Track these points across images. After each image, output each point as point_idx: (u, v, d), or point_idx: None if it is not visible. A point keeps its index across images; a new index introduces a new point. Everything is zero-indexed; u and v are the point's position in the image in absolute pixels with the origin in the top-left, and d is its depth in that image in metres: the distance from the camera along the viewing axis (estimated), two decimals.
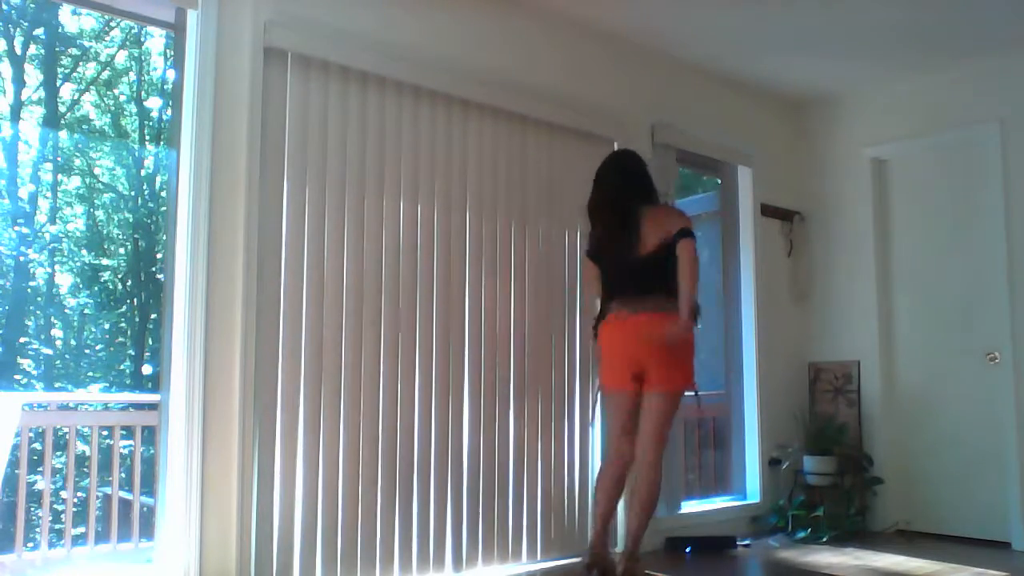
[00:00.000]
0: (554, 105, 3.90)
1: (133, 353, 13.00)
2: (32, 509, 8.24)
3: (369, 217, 3.27)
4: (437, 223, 3.49)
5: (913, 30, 4.17)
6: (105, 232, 13.48)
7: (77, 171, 13.31)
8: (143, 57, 13.62)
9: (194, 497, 2.78)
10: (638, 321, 3.29)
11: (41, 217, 12.68)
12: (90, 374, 12.70)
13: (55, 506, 8.03)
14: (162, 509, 2.83)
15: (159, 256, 12.34)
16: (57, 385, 12.19)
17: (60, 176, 13.04)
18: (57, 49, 12.81)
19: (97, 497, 4.72)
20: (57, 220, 12.92)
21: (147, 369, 12.36)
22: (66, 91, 13.10)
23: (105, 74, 13.36)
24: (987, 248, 4.46)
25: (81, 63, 13.20)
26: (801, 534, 4.46)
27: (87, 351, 12.97)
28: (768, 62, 4.62)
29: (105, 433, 4.87)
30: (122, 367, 12.98)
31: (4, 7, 11.65)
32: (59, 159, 13.06)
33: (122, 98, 13.64)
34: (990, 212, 4.46)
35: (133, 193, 13.39)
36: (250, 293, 2.93)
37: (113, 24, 12.56)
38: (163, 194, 12.38)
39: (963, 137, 4.61)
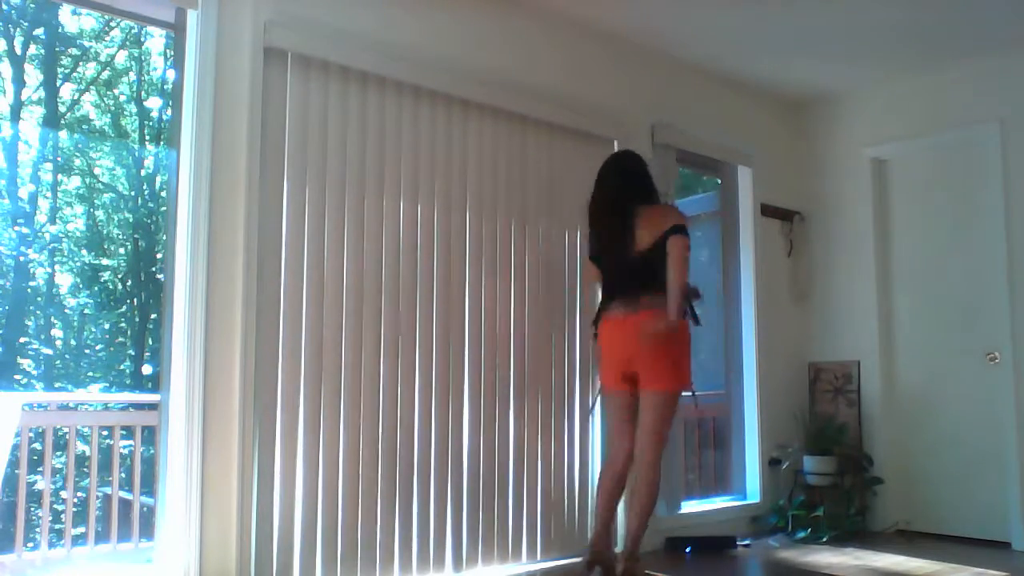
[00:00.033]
0: (554, 105, 3.90)
1: (133, 353, 13.01)
2: (32, 509, 8.25)
3: (369, 217, 3.27)
4: (437, 223, 3.49)
5: (913, 30, 4.17)
6: (105, 232, 13.48)
7: (77, 171, 13.31)
8: (143, 57, 13.62)
9: (194, 497, 2.78)
10: (634, 320, 3.30)
11: (41, 217, 12.68)
12: (90, 374, 12.70)
13: (55, 506, 8.03)
14: (162, 509, 2.83)
15: (159, 256, 12.35)
16: (57, 385, 12.19)
17: (60, 176, 13.05)
18: (57, 49, 12.81)
19: (97, 497, 4.72)
20: (57, 220, 12.92)
21: (147, 369, 12.36)
22: (66, 91, 13.10)
23: (105, 74, 13.37)
24: (987, 248, 4.46)
25: (81, 63, 13.21)
26: (801, 534, 4.46)
27: (87, 351, 12.97)
28: (768, 62, 4.62)
29: (105, 433, 4.87)
30: (122, 367, 12.98)
31: (4, 7, 11.65)
32: (59, 159, 13.06)
33: (122, 98, 13.65)
34: (990, 212, 4.46)
35: (133, 193, 13.40)
36: (250, 293, 2.93)
37: (113, 24, 12.57)
38: (163, 194, 12.38)
39: (963, 137, 4.61)
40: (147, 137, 13.65)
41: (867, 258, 4.91)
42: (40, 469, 6.52)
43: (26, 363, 12.14)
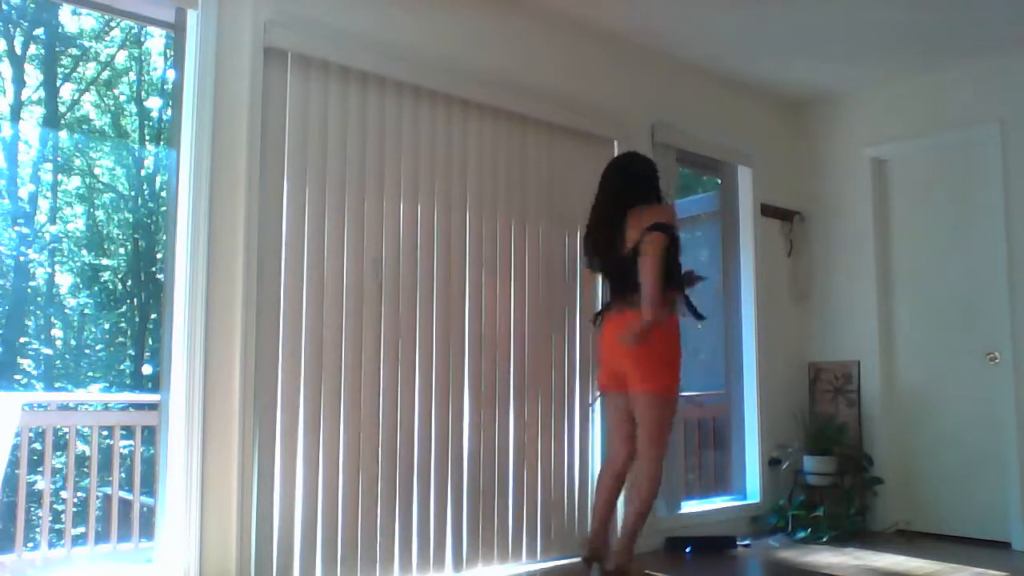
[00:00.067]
0: (554, 105, 3.90)
1: (133, 353, 13.00)
2: (32, 509, 8.24)
3: (369, 217, 3.27)
4: (437, 223, 3.49)
5: (913, 30, 4.17)
6: (105, 232, 13.47)
7: (77, 171, 13.30)
8: (143, 57, 13.61)
9: (194, 497, 2.78)
10: (621, 320, 3.31)
11: (41, 217, 12.68)
12: (90, 374, 12.69)
13: (55, 506, 8.02)
14: (162, 509, 2.83)
15: (159, 256, 12.34)
16: (57, 385, 12.19)
17: (60, 176, 13.04)
18: (57, 49, 12.80)
19: (97, 497, 4.71)
20: (57, 220, 12.91)
21: (147, 369, 12.35)
22: (66, 91, 13.09)
23: (105, 74, 13.36)
24: (987, 248, 4.46)
25: (81, 63, 13.20)
26: (801, 534, 4.46)
27: (87, 351, 12.96)
28: (768, 62, 4.62)
29: (105, 433, 4.87)
30: (122, 367, 12.98)
31: (4, 7, 11.65)
32: (59, 159, 13.05)
33: (122, 98, 13.64)
34: (990, 212, 4.46)
35: (133, 193, 13.39)
36: (250, 293, 2.93)
37: (113, 24, 12.56)
38: (163, 194, 12.37)
39: (963, 137, 4.61)
40: (147, 137, 13.65)
41: (867, 258, 4.91)
42: (40, 469, 6.52)
43: (26, 363, 12.13)
